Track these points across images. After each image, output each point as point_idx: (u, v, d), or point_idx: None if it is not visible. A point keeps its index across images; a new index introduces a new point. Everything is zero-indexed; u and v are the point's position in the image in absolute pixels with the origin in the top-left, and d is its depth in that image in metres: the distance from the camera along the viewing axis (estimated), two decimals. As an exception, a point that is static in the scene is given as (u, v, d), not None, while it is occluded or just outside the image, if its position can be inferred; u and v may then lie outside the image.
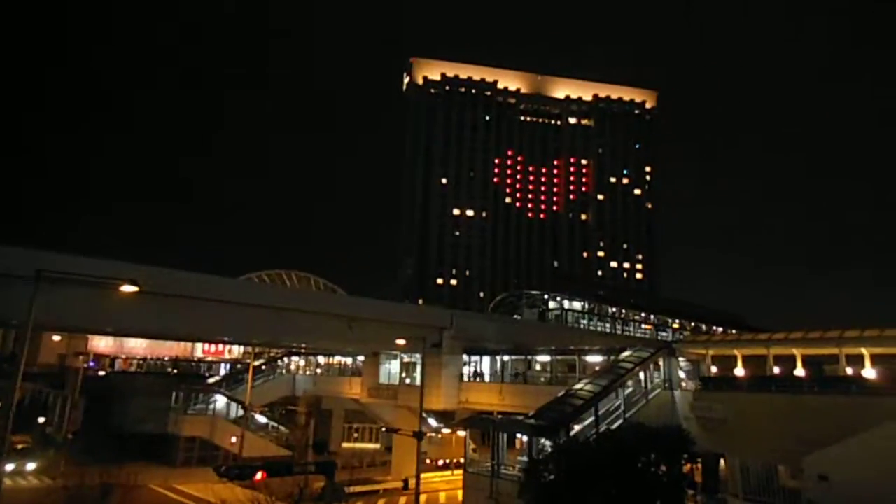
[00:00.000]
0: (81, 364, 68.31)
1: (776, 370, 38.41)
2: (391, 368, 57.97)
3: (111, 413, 63.93)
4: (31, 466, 48.04)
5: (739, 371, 39.23)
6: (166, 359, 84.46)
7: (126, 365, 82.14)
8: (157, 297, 33.75)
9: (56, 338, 73.53)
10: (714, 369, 40.80)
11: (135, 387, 66.79)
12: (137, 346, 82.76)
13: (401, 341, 42.46)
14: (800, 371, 37.11)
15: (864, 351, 34.89)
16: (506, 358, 49.76)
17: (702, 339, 52.45)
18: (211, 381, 70.40)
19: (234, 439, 54.40)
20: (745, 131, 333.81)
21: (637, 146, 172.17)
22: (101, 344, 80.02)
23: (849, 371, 34.80)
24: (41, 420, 66.44)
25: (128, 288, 19.96)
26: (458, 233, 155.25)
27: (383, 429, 61.22)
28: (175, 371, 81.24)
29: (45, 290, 17.69)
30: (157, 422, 57.32)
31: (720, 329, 75.53)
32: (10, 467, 43.59)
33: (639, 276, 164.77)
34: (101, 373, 76.77)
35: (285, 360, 70.33)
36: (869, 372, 33.90)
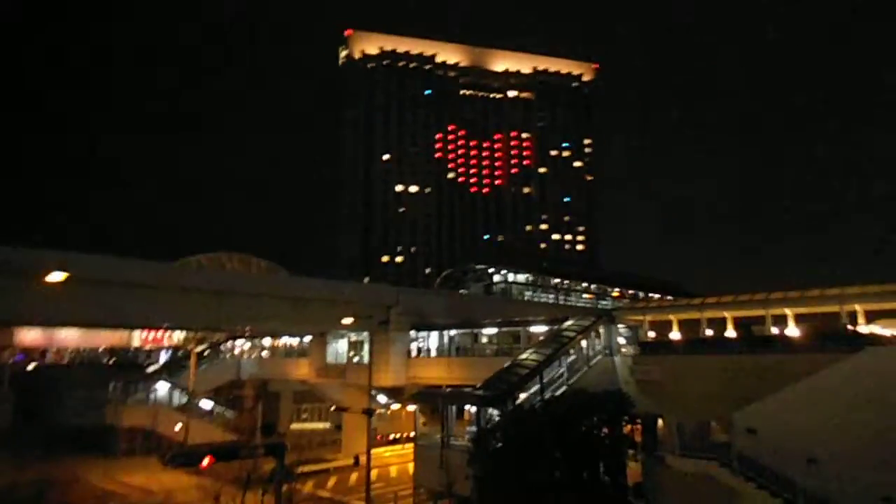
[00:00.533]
0: (8, 360, 65.03)
1: (709, 333, 40.46)
2: (339, 348, 57.71)
3: (43, 407, 61.41)
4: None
5: (675, 335, 41.09)
6: (101, 349, 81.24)
7: (58, 357, 78.62)
8: (88, 284, 32.38)
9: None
10: (652, 334, 42.58)
11: (68, 379, 64.26)
12: (69, 337, 79.04)
13: (348, 320, 42.25)
14: (731, 333, 39.23)
15: (787, 311, 37.15)
16: (453, 332, 50.33)
17: (640, 305, 54.57)
18: (151, 369, 68.29)
19: (178, 427, 53.15)
20: (683, 103, 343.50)
21: (576, 119, 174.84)
22: (30, 336, 76.12)
23: (774, 331, 37.02)
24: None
25: (55, 275, 19.09)
26: (402, 209, 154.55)
27: (332, 408, 61.14)
28: (112, 361, 78.37)
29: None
30: (94, 414, 55.40)
31: (657, 296, 78.55)
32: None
33: (580, 247, 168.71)
34: (31, 366, 73.34)
35: (229, 344, 68.87)
36: (792, 331, 36.15)
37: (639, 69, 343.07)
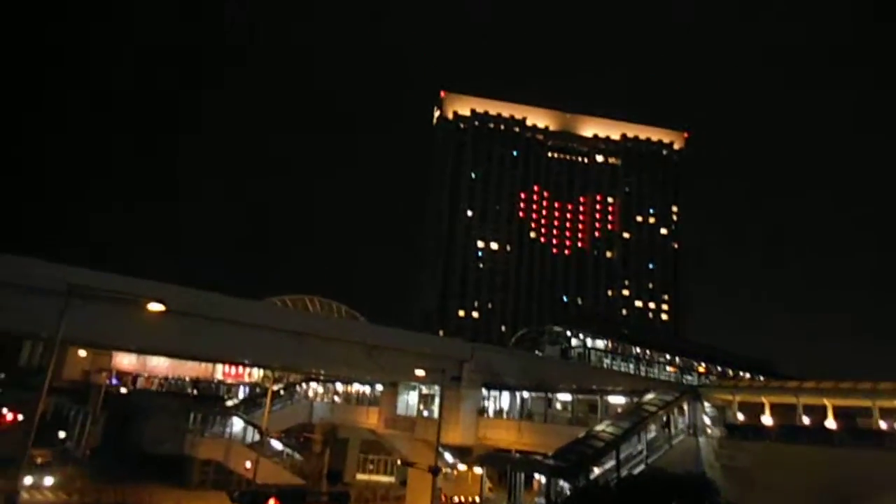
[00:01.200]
0: (104, 380, 69.15)
1: (805, 420, 37.17)
2: (409, 399, 57.41)
3: (130, 431, 64.37)
4: (49, 481, 48.26)
5: (767, 419, 38.00)
6: (187, 379, 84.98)
7: (148, 383, 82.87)
8: (181, 316, 34.12)
9: (81, 353, 74.63)
10: (740, 416, 39.60)
11: (154, 406, 67.28)
12: (159, 365, 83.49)
13: (420, 372, 42.15)
14: (831, 422, 35.84)
15: (899, 404, 33.65)
16: (526, 394, 48.97)
17: (728, 384, 51.08)
18: (229, 403, 70.55)
19: (248, 464, 54.16)
20: (776, 175, 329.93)
21: (664, 186, 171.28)
22: (125, 361, 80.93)
23: (882, 425, 33.51)
24: (62, 435, 67.10)
25: (154, 306, 20.25)
26: (481, 265, 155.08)
27: (399, 461, 60.42)
28: (195, 392, 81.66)
29: (74, 305, 18.02)
30: (174, 442, 57.47)
31: (747, 374, 73.53)
32: (28, 481, 43.92)
33: (664, 316, 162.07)
34: (123, 390, 77.55)
35: (304, 385, 70.26)
36: (904, 427, 32.63)
37: (731, 136, 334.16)
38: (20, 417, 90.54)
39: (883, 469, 26.29)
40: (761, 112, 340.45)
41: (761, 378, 63.88)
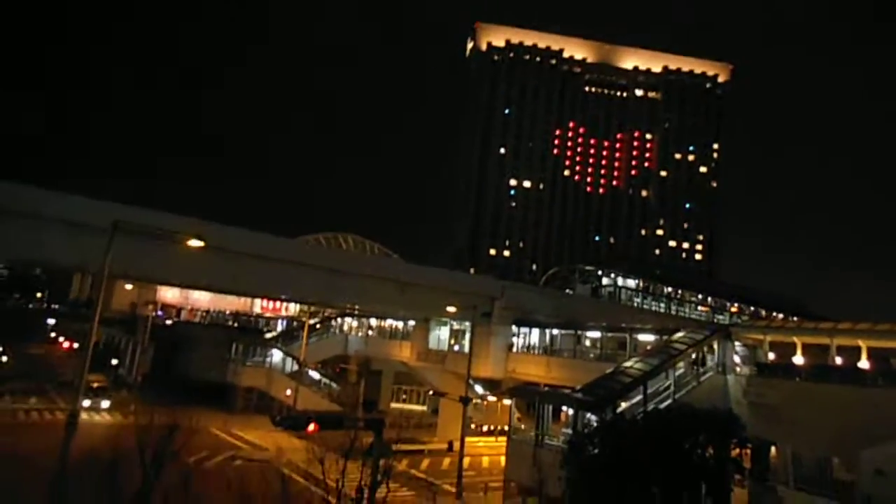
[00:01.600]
0: (150, 312, 72.36)
1: (838, 361, 36.99)
2: (440, 334, 58.84)
3: (177, 360, 67.82)
4: (105, 404, 51.67)
5: (798, 359, 37.95)
6: (227, 312, 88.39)
7: (191, 315, 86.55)
8: (220, 252, 35.18)
9: (128, 286, 77.97)
10: (771, 356, 39.59)
11: (198, 337, 70.43)
12: (201, 299, 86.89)
13: (452, 308, 43.02)
14: (865, 363, 35.60)
15: (937, 347, 33.17)
16: (555, 331, 49.65)
17: (760, 324, 50.80)
18: (268, 336, 73.30)
19: (288, 392, 56.82)
20: (821, 118, 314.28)
21: (706, 122, 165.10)
22: (169, 295, 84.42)
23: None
24: (114, 362, 71.14)
25: (194, 242, 20.99)
26: (513, 204, 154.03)
27: (430, 392, 62.53)
28: (235, 324, 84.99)
29: (119, 241, 18.78)
30: (218, 371, 60.34)
31: (780, 315, 72.83)
32: (86, 403, 47.15)
33: (698, 256, 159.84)
34: (168, 322, 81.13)
35: (339, 320, 72.34)
36: (941, 369, 32.26)
37: (777, 73, 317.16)
38: (75, 346, 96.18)
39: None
40: (808, 54, 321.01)
41: (794, 319, 63.20)
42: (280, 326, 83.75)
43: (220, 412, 53.62)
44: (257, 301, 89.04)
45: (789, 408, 31.42)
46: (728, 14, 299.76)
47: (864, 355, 36.15)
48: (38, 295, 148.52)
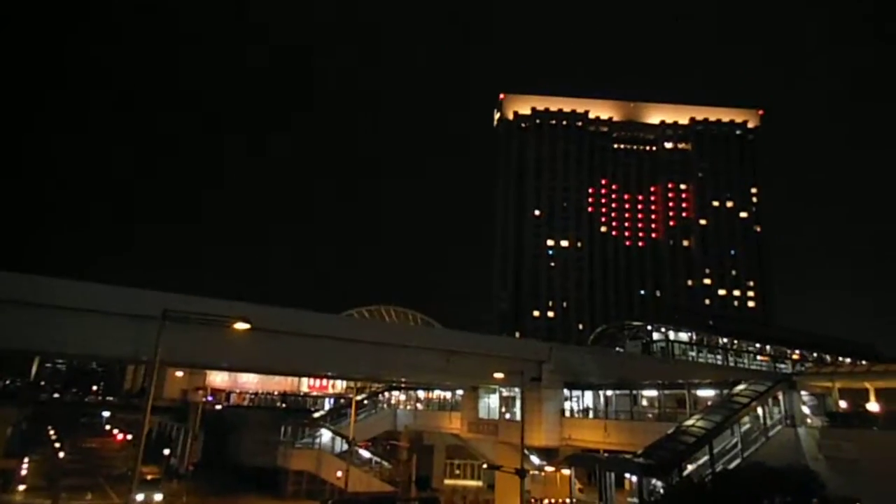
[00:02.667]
0: (201, 398, 73.01)
1: (919, 405, 34.43)
2: (490, 402, 57.38)
3: (227, 446, 67.64)
4: (158, 497, 51.37)
5: (873, 406, 35.47)
6: (275, 393, 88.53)
7: (240, 399, 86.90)
8: (266, 333, 35.61)
9: (179, 374, 79.24)
10: (842, 404, 37.17)
11: (247, 421, 70.35)
12: (249, 381, 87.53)
13: (499, 375, 42.06)
14: (948, 407, 33.05)
15: None
16: (609, 392, 47.89)
17: (827, 370, 48.01)
18: (316, 415, 72.78)
19: (339, 473, 55.63)
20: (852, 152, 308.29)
21: (740, 167, 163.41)
22: (218, 379, 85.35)
23: None
24: (166, 452, 71.38)
25: (240, 325, 21.29)
26: (553, 264, 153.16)
27: (485, 465, 60.42)
28: (283, 405, 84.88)
29: (168, 329, 19.21)
30: (267, 455, 59.82)
31: (847, 360, 68.91)
32: (139, 497, 46.95)
33: (751, 304, 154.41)
34: (218, 406, 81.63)
35: (386, 394, 71.57)
36: None
37: (807, 112, 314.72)
38: (129, 437, 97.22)
39: None
40: (835, 91, 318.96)
41: (863, 363, 59.66)
42: (328, 404, 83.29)
43: (271, 499, 52.79)
44: (304, 380, 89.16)
45: (870, 460, 29.12)
46: (751, 59, 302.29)
47: (945, 397, 33.65)
48: (94, 388, 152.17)
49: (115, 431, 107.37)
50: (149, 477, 52.80)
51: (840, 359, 72.59)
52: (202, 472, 61.38)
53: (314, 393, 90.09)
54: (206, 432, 69.59)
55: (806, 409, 37.95)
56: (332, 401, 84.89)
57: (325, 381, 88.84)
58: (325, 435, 62.49)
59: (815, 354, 75.14)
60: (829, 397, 37.93)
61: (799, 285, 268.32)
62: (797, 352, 75.51)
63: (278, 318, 38.34)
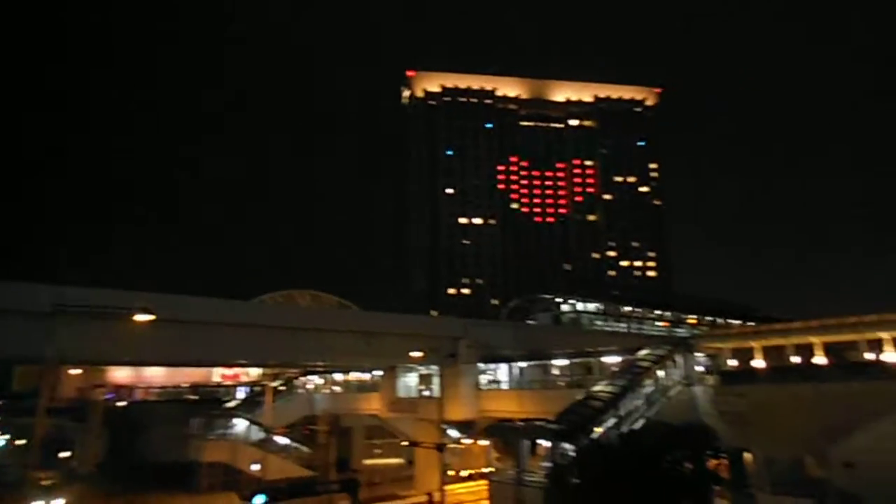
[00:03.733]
0: (101, 396, 68.81)
1: (795, 360, 38.08)
2: (409, 382, 57.92)
3: (133, 443, 64.33)
4: (58, 503, 48.14)
5: (759, 363, 38.89)
6: (185, 385, 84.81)
7: (145, 394, 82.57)
8: (172, 324, 33.98)
9: (74, 371, 74.07)
10: (733, 363, 40.48)
11: (155, 416, 67.15)
12: (156, 375, 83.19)
13: (417, 353, 42.50)
14: (820, 359, 36.77)
15: (883, 335, 34.49)
16: (523, 364, 49.58)
17: (718, 332, 52.18)
18: (230, 405, 70.54)
19: (256, 463, 54.43)
20: (746, 124, 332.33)
21: (641, 144, 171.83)
22: (120, 374, 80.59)
23: (869, 356, 34.43)
24: (64, 455, 66.79)
25: (142, 316, 20.23)
26: (466, 241, 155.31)
27: (404, 443, 61.08)
28: (194, 397, 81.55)
29: (61, 324, 17.93)
30: (178, 449, 57.43)
31: (736, 322, 74.87)
32: (38, 504, 43.80)
33: (651, 273, 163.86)
34: (121, 403, 77.27)
35: (303, 379, 70.41)
36: (890, 356, 33.52)
37: (702, 89, 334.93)
38: (19, 442, 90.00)
39: (869, 399, 27.07)
40: (733, 63, 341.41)
41: (750, 324, 65.03)
42: (242, 393, 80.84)
43: (184, 494, 50.88)
44: (216, 370, 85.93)
45: (756, 413, 31.99)
46: (653, 38, 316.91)
47: (818, 352, 37.40)
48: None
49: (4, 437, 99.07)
50: (45, 483, 49.38)
51: (730, 321, 78.65)
52: (107, 473, 58.08)
53: (227, 382, 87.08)
54: (110, 431, 65.79)
55: (701, 370, 41.04)
56: (246, 389, 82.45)
57: (238, 370, 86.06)
58: (241, 424, 60.76)
59: (708, 318, 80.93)
60: (721, 357, 41.19)
61: (695, 254, 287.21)
62: (693, 316, 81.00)
63: (185, 307, 36.73)
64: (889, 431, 24.20)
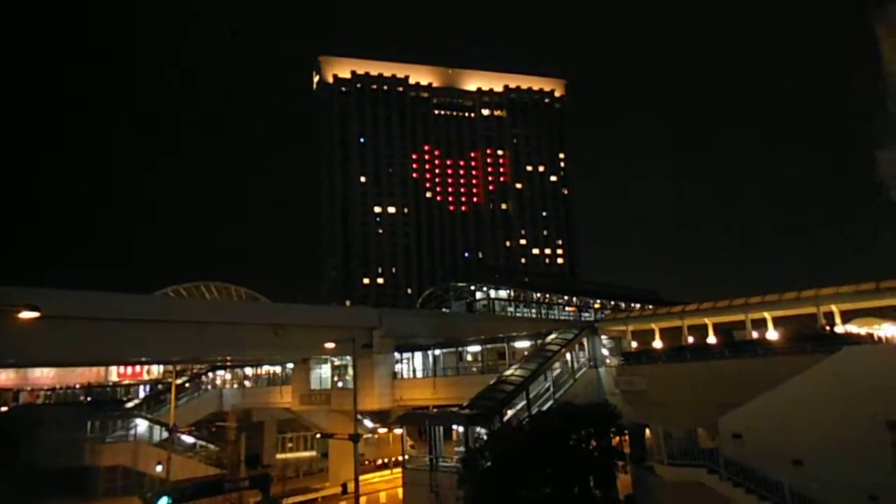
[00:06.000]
0: (-20, 401, 63.08)
1: (691, 340, 40.83)
2: (322, 373, 57.06)
3: (18, 450, 59.35)
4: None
5: (658, 344, 41.37)
6: (78, 386, 79.32)
7: (32, 397, 76.53)
8: (62, 321, 31.63)
9: (-52, 375, 67.48)
10: (635, 344, 42.83)
11: (42, 419, 62.37)
12: (43, 376, 77.18)
13: (330, 345, 41.82)
14: (711, 339, 39.63)
15: (766, 315, 37.67)
16: (437, 352, 50.07)
17: (621, 316, 54.91)
18: (130, 405, 66.75)
19: (159, 464, 51.87)
20: (650, 116, 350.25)
21: (549, 134, 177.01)
22: (2, 377, 74.17)
23: (755, 335, 37.47)
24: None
25: (27, 314, 18.56)
26: (380, 230, 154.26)
27: (318, 435, 60.25)
28: (88, 398, 76.48)
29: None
30: (72, 454, 53.75)
31: (638, 306, 79.22)
32: None
33: (560, 261, 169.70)
34: (3, 408, 71.29)
35: (210, 375, 67.72)
36: (772, 334, 36.64)
37: (606, 81, 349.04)
38: None
39: (754, 374, 29.45)
40: (634, 56, 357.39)
41: (651, 307, 69.00)
42: (143, 392, 76.65)
43: (80, 500, 47.75)
44: (112, 368, 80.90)
45: (655, 390, 34.00)
46: (563, 26, 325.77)
47: (710, 332, 40.27)
48: None
49: None
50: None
51: (633, 305, 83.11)
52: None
53: (126, 381, 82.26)
54: (-9, 438, 60.43)
55: (606, 352, 43.15)
56: (147, 388, 78.24)
57: (138, 368, 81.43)
58: (142, 425, 57.74)
59: (612, 303, 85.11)
60: (625, 339, 43.46)
61: (600, 243, 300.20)
62: (598, 301, 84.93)
63: (76, 302, 34.22)
64: (771, 404, 26.46)
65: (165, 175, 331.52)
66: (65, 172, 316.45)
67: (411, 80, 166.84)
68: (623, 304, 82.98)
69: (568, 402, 31.26)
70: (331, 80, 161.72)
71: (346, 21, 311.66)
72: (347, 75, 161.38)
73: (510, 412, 34.18)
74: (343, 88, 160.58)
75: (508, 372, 38.12)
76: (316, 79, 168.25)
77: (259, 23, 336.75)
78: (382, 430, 59.24)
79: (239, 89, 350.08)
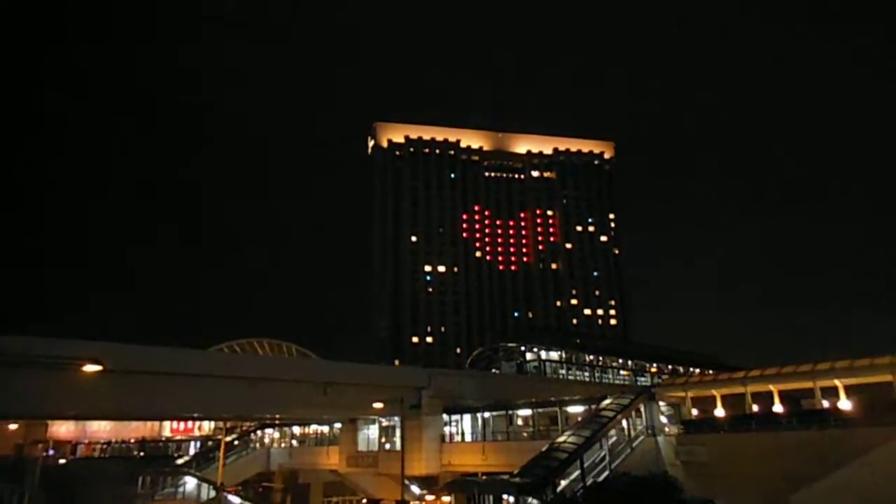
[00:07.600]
0: (40, 453, 64.64)
1: (755, 408, 38.48)
2: (370, 434, 56.23)
3: (74, 503, 60.29)
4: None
5: (719, 411, 39.14)
6: (132, 441, 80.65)
7: (88, 450, 78.06)
8: (122, 375, 32.53)
9: (12, 426, 69.78)
10: (695, 411, 40.66)
11: (98, 474, 63.37)
12: (101, 430, 79.04)
13: (378, 404, 41.42)
14: (778, 407, 37.24)
15: (837, 383, 35.24)
16: (487, 414, 48.79)
17: (680, 381, 52.48)
18: (180, 461, 67.22)
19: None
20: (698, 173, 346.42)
21: (599, 195, 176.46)
22: (63, 429, 76.26)
23: (825, 404, 35.03)
24: (-3, 518, 62.10)
25: (91, 367, 19.20)
26: (430, 290, 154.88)
27: (364, 500, 58.86)
28: (141, 453, 77.49)
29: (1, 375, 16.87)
30: (123, 510, 54.23)
31: (697, 370, 75.82)
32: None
33: (612, 321, 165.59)
34: (62, 461, 72.84)
35: (258, 433, 67.82)
36: (844, 403, 34.17)
37: (658, 143, 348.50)
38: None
39: (826, 447, 27.38)
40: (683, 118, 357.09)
41: (711, 372, 65.91)
42: (193, 449, 77.23)
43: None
44: (166, 423, 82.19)
45: (718, 462, 32.00)
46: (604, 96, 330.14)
47: (776, 399, 37.92)
48: None
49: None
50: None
51: (691, 369, 79.67)
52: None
53: (177, 437, 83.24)
54: (48, 491, 61.62)
55: (664, 419, 41.05)
56: (197, 444, 78.82)
57: (190, 423, 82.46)
58: (190, 482, 57.86)
59: (669, 367, 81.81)
60: (684, 406, 41.34)
61: (653, 303, 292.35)
62: (654, 365, 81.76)
63: (135, 356, 35.18)
64: (847, 480, 24.41)
65: (223, 233, 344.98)
66: (109, 220, 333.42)
67: (462, 144, 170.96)
68: (681, 369, 79.69)
69: (625, 472, 29.67)
70: (385, 144, 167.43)
71: (400, 88, 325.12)
72: (401, 140, 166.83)
73: (564, 482, 32.63)
74: (397, 152, 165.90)
75: (561, 438, 36.64)
76: (371, 143, 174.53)
77: (325, 90, 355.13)
78: (430, 498, 57.39)
79: (296, 151, 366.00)
